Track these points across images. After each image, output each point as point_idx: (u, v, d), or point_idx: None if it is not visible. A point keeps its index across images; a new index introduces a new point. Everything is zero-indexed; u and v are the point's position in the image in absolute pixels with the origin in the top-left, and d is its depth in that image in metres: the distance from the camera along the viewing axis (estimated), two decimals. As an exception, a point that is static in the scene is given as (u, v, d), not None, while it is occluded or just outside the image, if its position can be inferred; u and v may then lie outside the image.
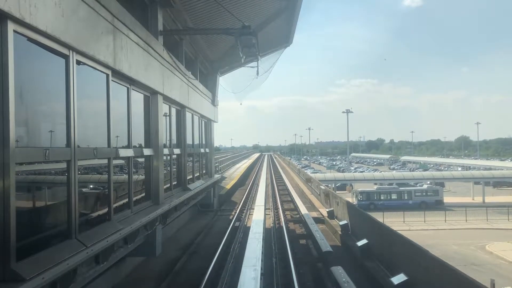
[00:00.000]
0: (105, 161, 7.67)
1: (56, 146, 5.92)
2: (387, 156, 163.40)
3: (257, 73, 14.33)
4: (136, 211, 9.35)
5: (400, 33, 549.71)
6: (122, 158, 8.85)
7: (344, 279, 10.28)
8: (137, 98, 10.03)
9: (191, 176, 16.07)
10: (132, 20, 8.59)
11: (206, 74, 21.22)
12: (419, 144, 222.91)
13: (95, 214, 7.34)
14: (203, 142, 19.70)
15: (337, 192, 40.01)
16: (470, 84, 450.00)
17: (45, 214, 6.00)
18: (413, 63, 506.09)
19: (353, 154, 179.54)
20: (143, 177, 10.58)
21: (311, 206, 25.24)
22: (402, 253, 10.44)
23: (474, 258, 28.16)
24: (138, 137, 10.21)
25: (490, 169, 75.65)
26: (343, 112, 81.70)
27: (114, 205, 8.03)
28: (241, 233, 16.53)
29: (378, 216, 21.60)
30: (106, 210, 7.62)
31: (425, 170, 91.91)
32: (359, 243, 12.95)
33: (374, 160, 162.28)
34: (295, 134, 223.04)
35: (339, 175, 69.26)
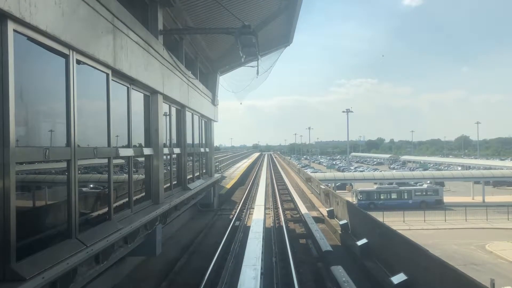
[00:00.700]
0: (105, 160, 7.66)
1: (56, 146, 5.91)
2: (387, 156, 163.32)
3: (257, 73, 14.37)
4: (136, 211, 9.35)
5: (400, 33, 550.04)
6: (122, 157, 8.85)
7: (344, 279, 10.29)
8: (137, 97, 10.03)
9: (191, 176, 16.07)
10: (132, 20, 8.58)
11: (206, 74, 21.21)
12: (419, 144, 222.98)
13: (95, 214, 7.34)
14: (203, 142, 19.70)
15: (337, 191, 40.01)
16: (470, 83, 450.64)
17: (45, 214, 5.99)
18: (413, 63, 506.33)
19: (353, 153, 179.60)
20: (143, 176, 10.58)
21: (311, 206, 25.23)
22: (402, 252, 10.44)
23: (474, 257, 28.18)
24: (138, 137, 10.21)
25: (490, 168, 75.57)
26: (343, 111, 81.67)
27: (114, 205, 8.03)
28: (241, 233, 16.53)
29: (378, 216, 21.64)
30: (106, 209, 7.62)
31: (425, 169, 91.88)
32: (359, 243, 12.95)
33: (374, 159, 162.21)
34: (295, 134, 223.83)
35: (339, 174, 69.23)
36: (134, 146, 9.64)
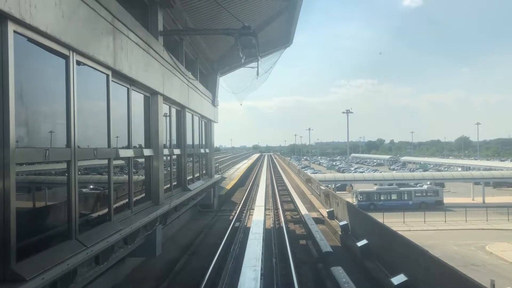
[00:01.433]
0: (105, 161, 7.66)
1: (56, 147, 5.91)
2: (387, 157, 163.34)
3: (257, 74, 14.35)
4: (136, 212, 9.35)
5: (400, 33, 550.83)
6: (122, 158, 8.85)
7: (344, 280, 10.29)
8: (137, 98, 10.03)
9: (191, 177, 16.07)
10: (132, 21, 8.58)
11: (206, 75, 21.22)
12: (419, 145, 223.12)
13: (95, 215, 7.33)
14: (203, 143, 19.70)
15: (337, 192, 40.01)
16: (470, 84, 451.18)
17: (45, 215, 5.99)
18: (413, 63, 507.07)
19: (353, 154, 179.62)
20: (143, 177, 10.57)
21: (311, 207, 25.24)
22: (402, 253, 10.44)
23: (474, 258, 28.18)
24: (138, 138, 10.21)
25: (490, 169, 75.65)
26: (343, 112, 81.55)
27: (114, 206, 8.03)
28: (241, 234, 16.53)
29: (378, 217, 21.63)
30: (106, 210, 7.62)
31: (425, 170, 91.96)
32: (359, 244, 12.94)
33: (374, 160, 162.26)
34: (295, 135, 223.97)
35: (339, 175, 69.29)
36: (134, 147, 9.64)
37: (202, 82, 18.56)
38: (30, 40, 5.17)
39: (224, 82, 22.51)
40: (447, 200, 54.53)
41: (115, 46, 7.61)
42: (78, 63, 6.34)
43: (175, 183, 13.68)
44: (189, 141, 15.71)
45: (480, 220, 41.04)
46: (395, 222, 36.17)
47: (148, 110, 10.71)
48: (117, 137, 8.25)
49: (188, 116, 15.50)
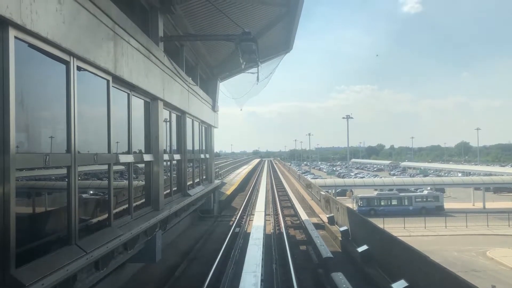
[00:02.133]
0: (105, 166, 7.66)
1: (56, 152, 5.91)
2: (387, 162, 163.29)
3: (257, 79, 14.41)
4: (136, 217, 9.33)
5: (399, 39, 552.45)
6: (122, 163, 8.85)
7: (344, 286, 10.25)
8: (138, 104, 10.05)
9: (191, 182, 16.06)
10: (133, 27, 8.62)
11: (207, 80, 21.27)
12: (419, 150, 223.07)
13: (95, 220, 7.32)
14: (203, 148, 19.70)
15: (337, 197, 39.94)
16: (470, 89, 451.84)
17: (45, 220, 5.98)
18: (413, 69, 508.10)
19: (353, 159, 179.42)
20: (143, 182, 10.57)
21: (311, 212, 25.19)
22: (403, 259, 10.41)
23: (475, 264, 28.08)
24: (139, 143, 10.21)
25: (490, 175, 75.52)
26: (343, 117, 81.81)
27: (114, 211, 8.02)
28: (241, 239, 16.49)
29: (378, 222, 21.57)
30: (106, 216, 7.61)
31: (425, 175, 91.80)
32: (360, 249, 12.92)
33: (374, 165, 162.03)
34: (295, 140, 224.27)
35: (339, 180, 69.11)
36: (134, 152, 9.64)
37: (202, 87, 18.60)
38: (31, 45, 5.20)
39: (224, 87, 22.60)
40: (447, 205, 54.43)
41: (116, 52, 7.63)
42: (79, 68, 6.36)
43: (175, 188, 13.67)
44: (189, 146, 15.72)
45: (480, 226, 40.94)
46: (395, 227, 36.07)
47: (148, 115, 10.73)
48: (117, 142, 8.26)
49: (188, 121, 15.52)
